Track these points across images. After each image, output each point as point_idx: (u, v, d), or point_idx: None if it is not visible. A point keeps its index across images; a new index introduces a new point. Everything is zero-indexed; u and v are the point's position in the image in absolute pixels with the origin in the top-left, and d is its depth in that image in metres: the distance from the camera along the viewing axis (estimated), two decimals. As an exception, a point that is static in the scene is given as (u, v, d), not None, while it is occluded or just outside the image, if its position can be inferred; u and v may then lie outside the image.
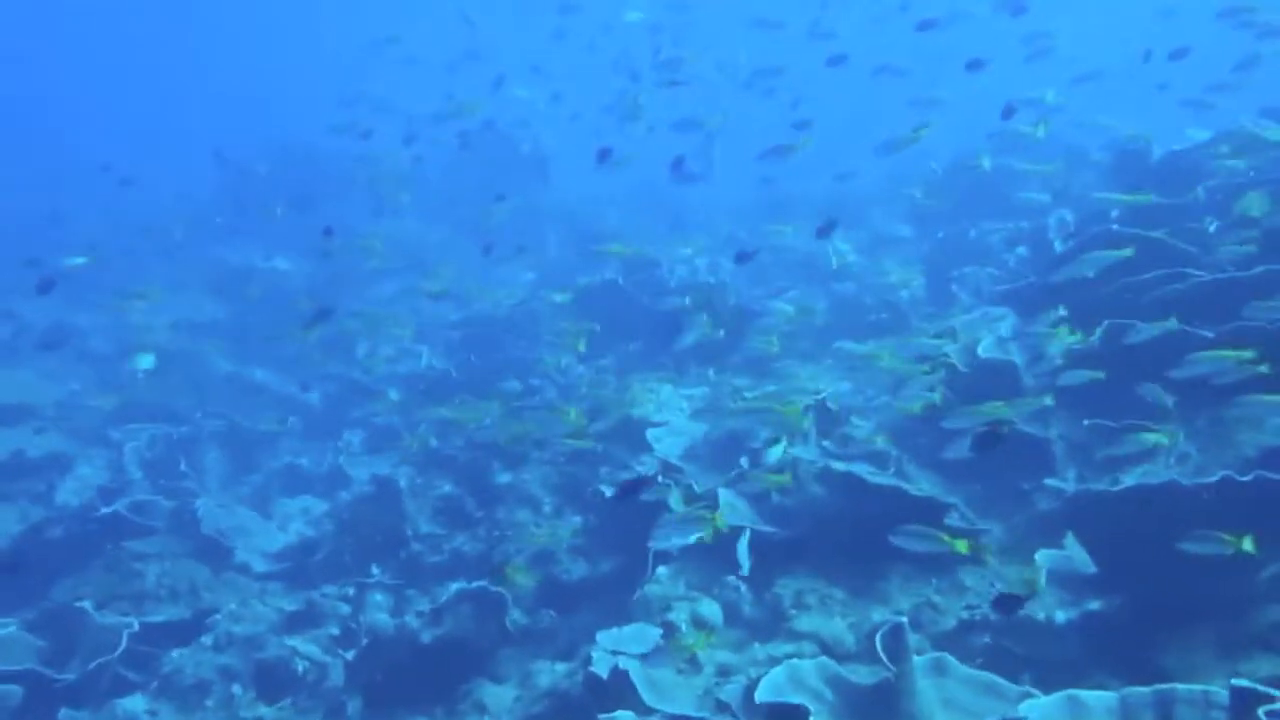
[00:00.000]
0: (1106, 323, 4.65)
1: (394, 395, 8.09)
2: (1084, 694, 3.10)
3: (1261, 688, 2.77)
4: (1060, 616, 4.15)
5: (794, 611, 4.40)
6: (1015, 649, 4.13)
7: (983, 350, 5.02)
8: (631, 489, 4.00)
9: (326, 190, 13.57)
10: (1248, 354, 3.84)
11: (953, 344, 5.28)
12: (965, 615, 4.25)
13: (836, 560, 4.69)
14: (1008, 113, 7.13)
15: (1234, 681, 2.82)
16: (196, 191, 14.73)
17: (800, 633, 4.24)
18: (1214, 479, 3.73)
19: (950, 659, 3.73)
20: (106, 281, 10.48)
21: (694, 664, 4.15)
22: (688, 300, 7.98)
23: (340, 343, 10.72)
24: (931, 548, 3.70)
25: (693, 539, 4.08)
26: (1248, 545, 3.20)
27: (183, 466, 7.14)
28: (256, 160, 14.19)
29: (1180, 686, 2.99)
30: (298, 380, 9.78)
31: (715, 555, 4.97)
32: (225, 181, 14.38)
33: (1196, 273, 4.65)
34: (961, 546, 3.65)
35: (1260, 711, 2.65)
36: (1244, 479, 3.67)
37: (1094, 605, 4.12)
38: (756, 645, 4.29)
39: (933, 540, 3.67)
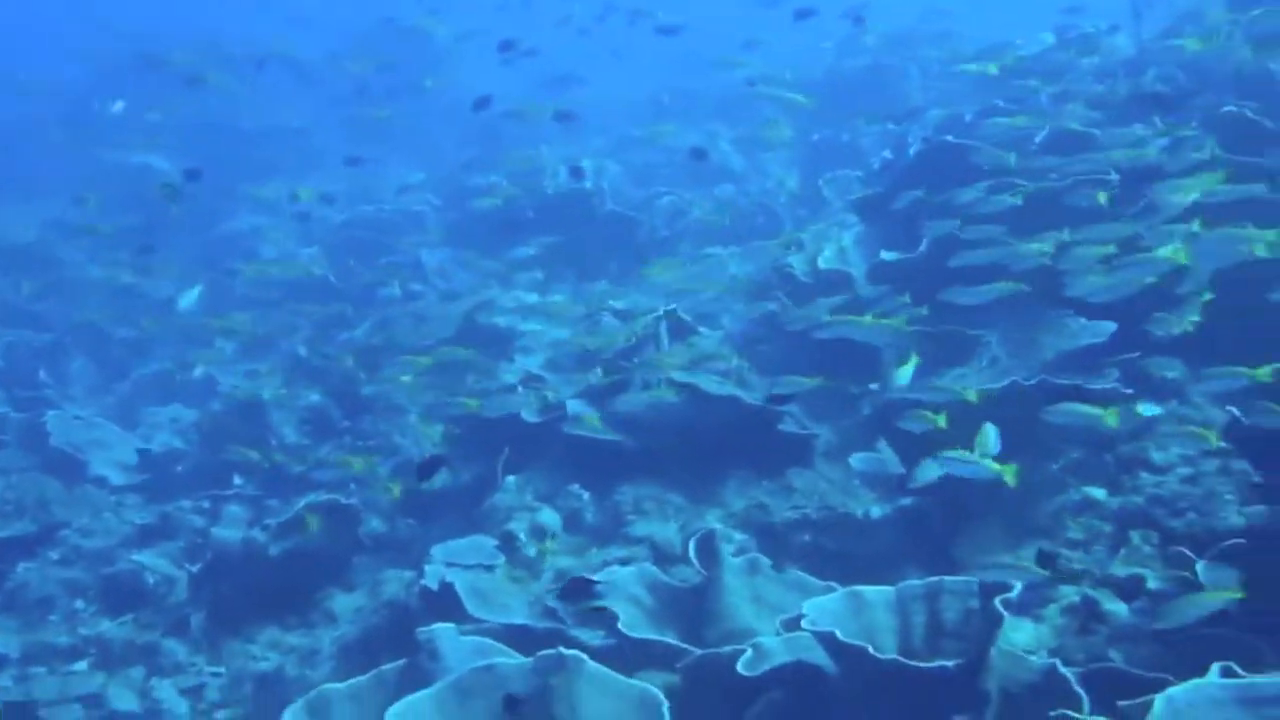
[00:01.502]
0: (930, 235, 4.83)
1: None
2: (865, 589, 3.34)
3: (1004, 580, 3.04)
4: (875, 513, 4.43)
5: (633, 517, 4.60)
6: (832, 546, 4.42)
7: (823, 261, 5.18)
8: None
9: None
10: (1047, 248, 4.06)
11: (799, 253, 5.43)
12: (790, 515, 4.51)
13: (678, 467, 4.89)
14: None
15: (982, 575, 3.08)
16: (63, 84, 13.90)
17: (635, 538, 4.45)
18: (1004, 383, 3.99)
19: (763, 559, 3.97)
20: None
21: (532, 571, 4.34)
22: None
23: (225, 247, 10.47)
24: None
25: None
26: (1009, 477, 3.43)
27: (42, 376, 6.99)
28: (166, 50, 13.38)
29: (947, 579, 3.24)
30: (175, 285, 9.53)
31: (566, 465, 5.13)
32: (103, 73, 13.58)
33: (1022, 182, 4.83)
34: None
35: (996, 600, 2.92)
36: (1029, 383, 3.95)
37: (906, 502, 4.40)
38: (595, 551, 4.49)
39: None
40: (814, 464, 4.75)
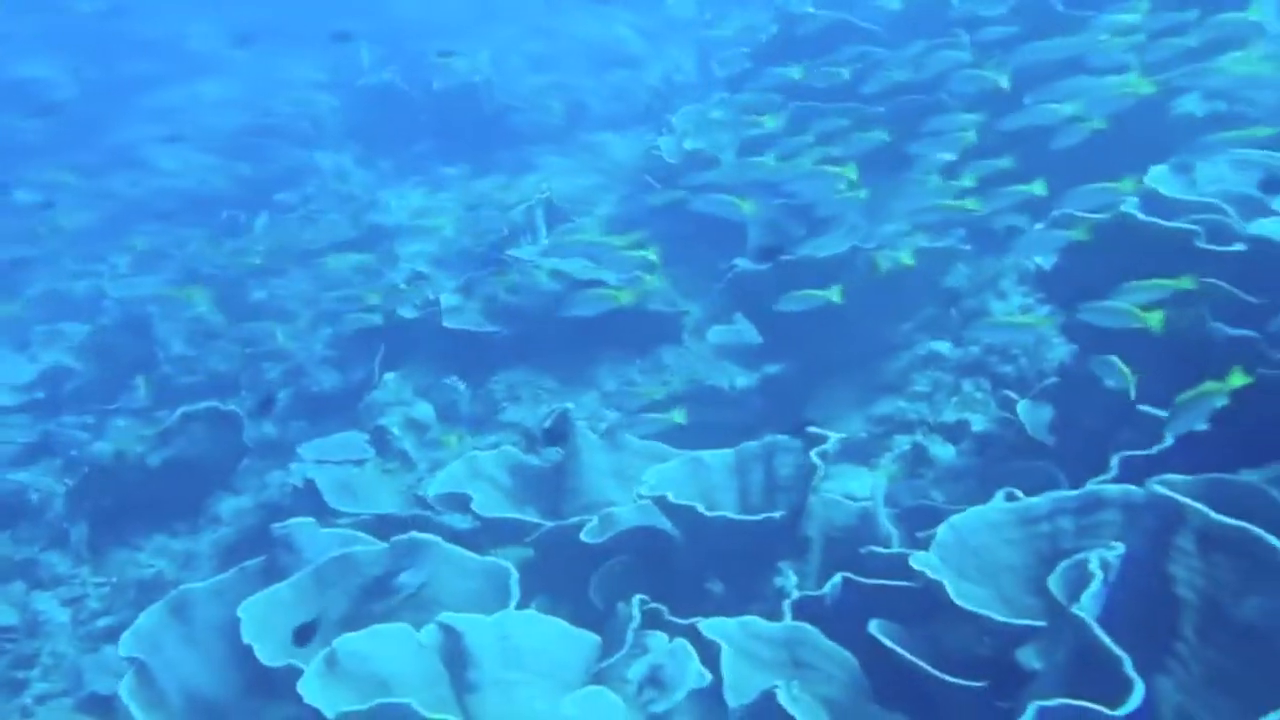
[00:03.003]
0: (793, 106, 4.83)
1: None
2: (705, 454, 3.47)
3: (825, 432, 3.17)
4: (741, 383, 4.55)
5: (506, 404, 4.68)
6: (701, 418, 4.54)
7: (689, 142, 5.18)
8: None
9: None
10: (881, 135, 4.10)
11: (669, 136, 5.42)
12: (661, 390, 4.61)
13: (553, 353, 4.96)
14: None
15: (808, 428, 3.21)
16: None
17: (506, 423, 4.55)
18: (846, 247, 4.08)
19: (627, 434, 4.08)
20: None
21: (405, 464, 4.43)
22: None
23: (119, 158, 10.15)
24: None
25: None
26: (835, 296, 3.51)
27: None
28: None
29: (781, 438, 3.37)
30: (66, 201, 9.26)
31: (445, 358, 5.18)
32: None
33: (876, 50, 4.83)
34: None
35: (813, 453, 3.05)
36: (869, 246, 4.04)
37: (771, 370, 4.53)
38: (469, 439, 4.57)
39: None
40: (683, 341, 4.84)
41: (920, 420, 3.71)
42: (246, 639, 2.97)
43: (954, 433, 3.60)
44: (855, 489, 3.50)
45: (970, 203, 3.63)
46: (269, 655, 2.98)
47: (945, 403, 3.79)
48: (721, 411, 4.56)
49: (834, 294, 3.68)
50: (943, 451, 3.52)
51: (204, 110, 10.81)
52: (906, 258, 3.83)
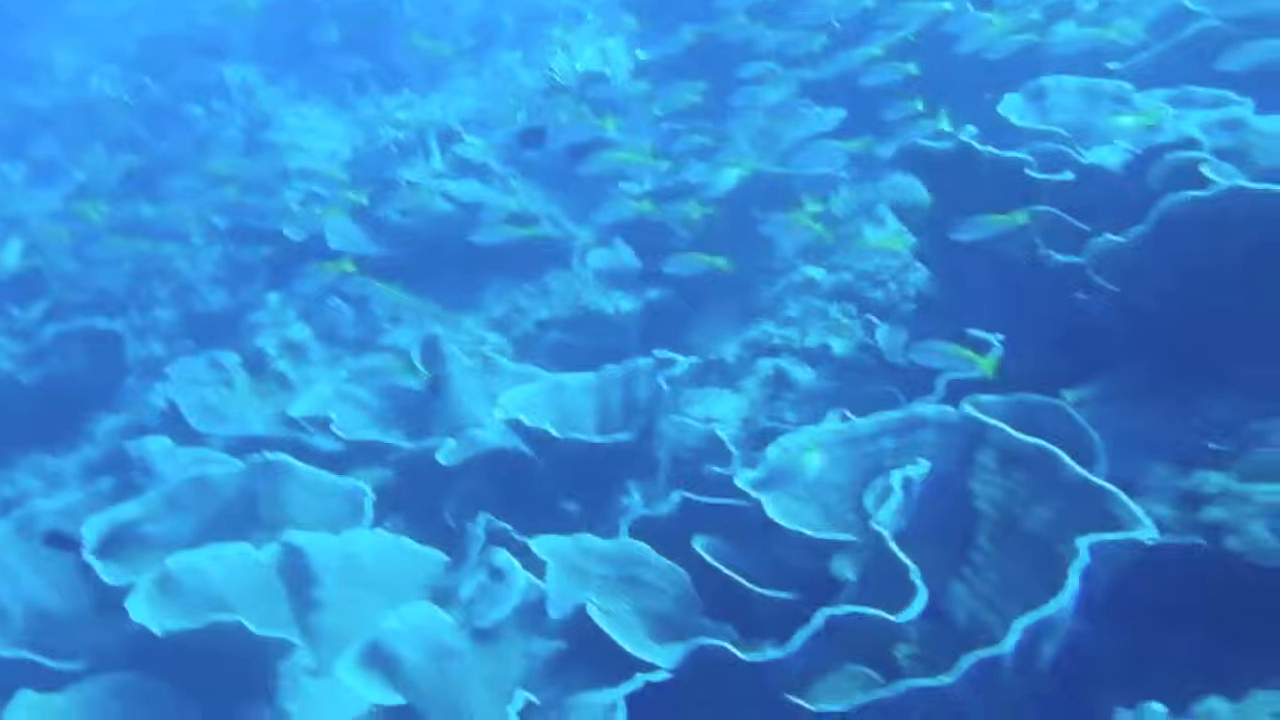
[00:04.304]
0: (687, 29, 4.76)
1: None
2: (567, 376, 3.48)
3: (671, 356, 3.20)
4: (625, 307, 4.55)
5: (388, 327, 4.64)
6: (583, 342, 4.55)
7: (581, 64, 5.09)
8: None
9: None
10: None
11: (563, 56, 5.32)
12: (546, 316, 4.60)
13: (442, 276, 4.91)
14: None
15: (655, 352, 3.23)
16: None
17: (385, 346, 4.51)
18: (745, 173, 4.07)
19: (498, 359, 4.07)
20: None
21: (281, 385, 4.37)
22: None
23: (18, 69, 9.74)
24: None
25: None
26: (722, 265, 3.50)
27: None
28: None
29: (642, 360, 3.38)
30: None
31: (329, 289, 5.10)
32: None
33: None
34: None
35: (659, 376, 3.08)
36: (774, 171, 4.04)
37: (652, 295, 4.53)
38: (349, 360, 4.53)
39: None
40: (572, 265, 4.82)
41: (785, 344, 3.75)
42: (87, 557, 2.95)
43: (816, 356, 3.65)
44: (717, 411, 3.54)
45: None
46: (112, 574, 2.97)
47: (812, 327, 3.82)
48: (602, 335, 4.57)
49: (720, 262, 3.61)
50: (803, 375, 3.56)
51: (112, 22, 10.42)
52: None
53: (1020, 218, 2.70)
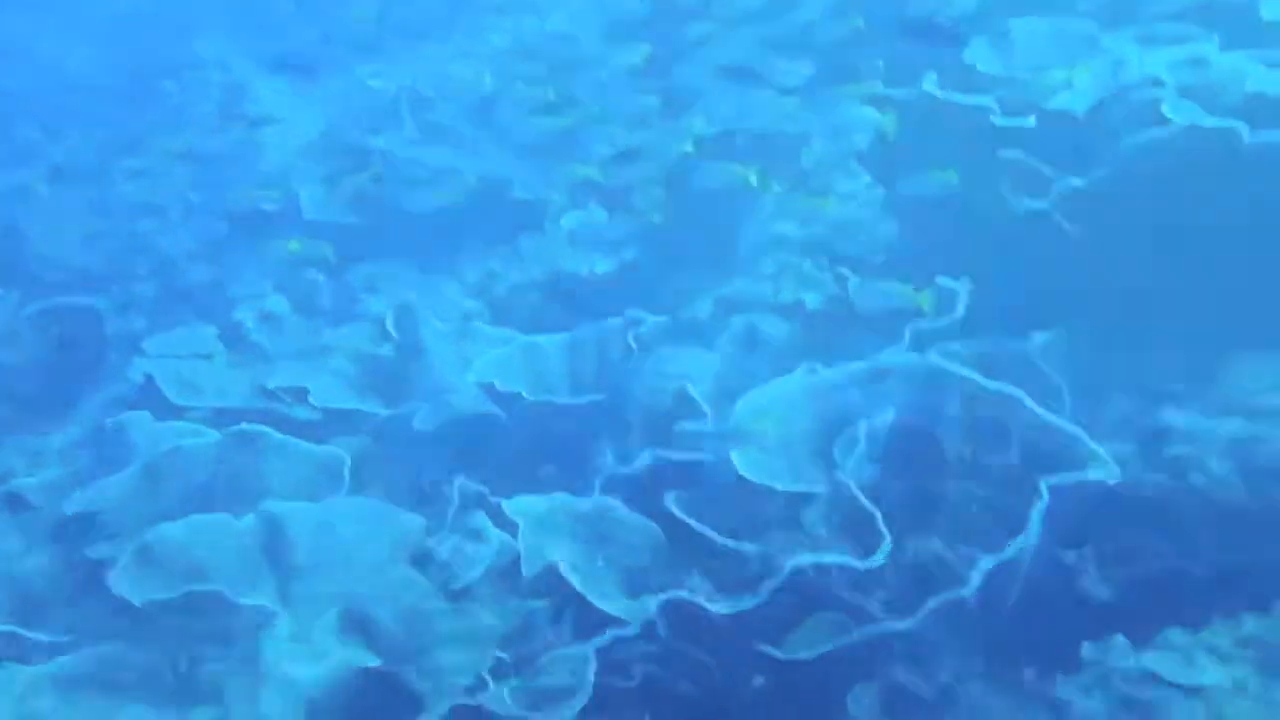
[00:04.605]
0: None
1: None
2: (541, 338, 3.48)
3: (644, 315, 3.20)
4: (601, 269, 4.54)
5: (364, 295, 4.63)
6: (558, 305, 4.55)
7: (550, 25, 5.05)
8: None
9: None
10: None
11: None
12: (519, 279, 4.59)
13: (416, 242, 4.89)
14: None
15: (628, 311, 3.23)
16: None
17: (361, 315, 4.49)
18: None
19: (476, 324, 4.07)
20: None
21: (259, 356, 4.37)
22: None
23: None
24: None
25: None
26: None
27: None
28: None
29: (613, 320, 3.39)
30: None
31: (304, 262, 5.08)
32: None
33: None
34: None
35: (630, 336, 3.08)
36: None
37: (629, 255, 4.52)
38: (327, 330, 4.52)
39: None
40: (545, 228, 4.79)
41: (758, 300, 3.75)
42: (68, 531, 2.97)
43: (789, 311, 3.64)
44: (690, 370, 3.54)
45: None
46: (95, 550, 2.98)
47: (786, 282, 3.82)
48: (581, 297, 4.56)
49: (752, 176, 3.55)
50: (775, 329, 3.56)
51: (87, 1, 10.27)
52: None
53: (953, 175, 2.71)
